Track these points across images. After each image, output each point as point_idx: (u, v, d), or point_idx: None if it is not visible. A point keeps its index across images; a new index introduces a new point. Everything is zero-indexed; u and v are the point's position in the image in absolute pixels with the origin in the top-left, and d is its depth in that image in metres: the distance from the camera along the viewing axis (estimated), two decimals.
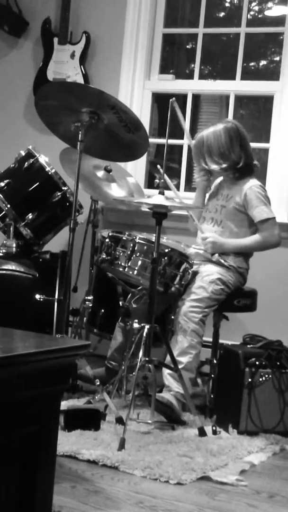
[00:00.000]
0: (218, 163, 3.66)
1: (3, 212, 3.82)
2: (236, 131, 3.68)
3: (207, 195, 3.90)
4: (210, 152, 3.67)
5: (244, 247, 3.67)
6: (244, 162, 3.67)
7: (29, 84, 4.97)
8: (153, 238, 3.27)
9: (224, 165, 3.66)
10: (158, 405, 3.26)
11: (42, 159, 3.86)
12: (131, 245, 3.42)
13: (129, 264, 3.42)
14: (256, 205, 3.61)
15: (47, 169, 3.85)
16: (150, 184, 4.86)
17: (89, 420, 3.10)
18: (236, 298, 3.65)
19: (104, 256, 3.49)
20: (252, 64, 5.27)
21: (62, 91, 3.61)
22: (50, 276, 3.78)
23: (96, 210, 4.30)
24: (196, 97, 5.05)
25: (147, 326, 3.17)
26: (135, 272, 3.43)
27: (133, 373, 3.19)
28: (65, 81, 4.74)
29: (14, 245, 3.77)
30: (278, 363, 3.33)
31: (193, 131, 5.06)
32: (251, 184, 3.65)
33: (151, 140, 4.89)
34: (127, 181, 4.26)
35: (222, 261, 3.62)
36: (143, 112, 4.82)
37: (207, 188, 3.89)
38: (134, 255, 3.42)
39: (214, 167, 3.68)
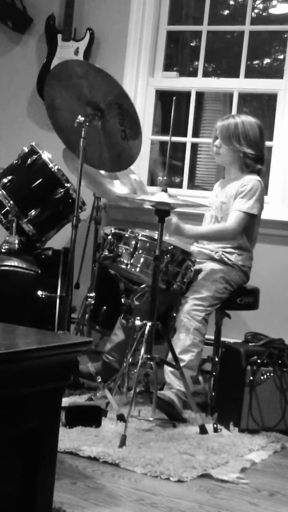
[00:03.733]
0: (253, 148, 3.67)
1: (6, 209, 3.82)
2: (263, 130, 3.75)
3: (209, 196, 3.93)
4: (246, 135, 3.66)
5: (200, 234, 3.68)
6: (263, 160, 3.73)
7: (33, 81, 4.97)
8: (155, 235, 3.27)
9: (258, 153, 3.68)
10: (160, 403, 3.26)
11: (45, 156, 3.86)
12: (134, 242, 3.42)
13: (131, 261, 3.42)
14: (244, 195, 3.60)
15: (50, 165, 3.85)
16: (153, 181, 4.86)
17: (90, 416, 3.11)
18: (238, 296, 3.65)
19: (106, 253, 3.49)
20: (256, 62, 5.26)
21: (76, 75, 3.49)
22: (52, 272, 3.78)
23: (99, 207, 4.30)
24: (200, 95, 5.05)
25: (149, 324, 3.17)
26: (138, 269, 3.43)
27: (135, 370, 3.19)
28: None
29: (16, 241, 3.77)
30: (279, 362, 3.33)
31: (197, 129, 5.06)
32: (252, 177, 3.66)
33: (154, 137, 4.89)
34: (130, 178, 4.25)
35: (226, 259, 3.62)
36: (146, 109, 4.81)
37: None
38: (136, 252, 3.42)
39: (248, 150, 3.66)
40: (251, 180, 3.63)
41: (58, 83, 3.50)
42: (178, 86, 4.84)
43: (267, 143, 4.44)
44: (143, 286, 3.59)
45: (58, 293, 3.74)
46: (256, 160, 3.68)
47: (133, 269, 3.44)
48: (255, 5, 4.97)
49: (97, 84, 3.40)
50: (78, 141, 3.39)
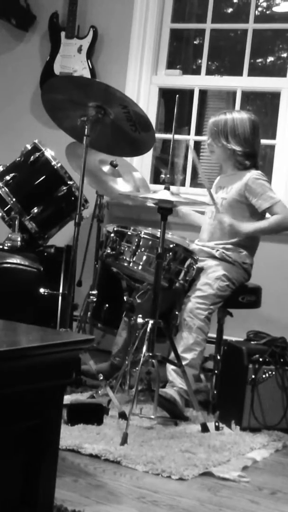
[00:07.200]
0: (242, 145, 3.65)
1: (9, 206, 3.82)
2: (257, 124, 3.73)
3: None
4: (234, 131, 3.65)
5: (259, 229, 3.64)
6: (258, 155, 3.72)
7: (36, 78, 4.97)
8: (158, 233, 3.27)
9: (247, 150, 3.66)
10: (161, 401, 3.26)
11: (48, 153, 3.86)
12: (136, 240, 3.42)
13: (134, 259, 3.42)
14: (261, 192, 3.60)
15: (53, 163, 3.85)
16: (156, 179, 4.85)
17: (92, 414, 3.11)
18: (240, 294, 3.65)
19: (109, 251, 3.49)
20: (259, 60, 5.26)
21: (69, 85, 3.58)
22: (54, 270, 3.78)
23: (101, 204, 4.30)
24: (203, 93, 5.04)
25: (151, 322, 3.17)
26: (140, 267, 3.43)
27: (137, 368, 3.18)
28: (73, 75, 4.73)
29: (19, 238, 3.77)
30: (281, 360, 3.32)
31: (200, 127, 5.06)
32: (251, 174, 3.65)
33: (158, 135, 4.88)
34: (133, 176, 4.25)
35: (226, 257, 3.62)
36: (149, 107, 4.81)
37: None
38: (139, 250, 3.42)
39: (236, 147, 3.65)
40: (252, 178, 3.62)
41: (53, 97, 3.56)
42: (181, 84, 4.83)
43: (270, 141, 4.46)
44: (145, 284, 3.59)
45: (61, 290, 3.73)
46: (246, 156, 3.68)
47: (135, 267, 3.44)
48: (259, 3, 4.96)
49: (93, 92, 3.45)
50: (91, 136, 3.43)
